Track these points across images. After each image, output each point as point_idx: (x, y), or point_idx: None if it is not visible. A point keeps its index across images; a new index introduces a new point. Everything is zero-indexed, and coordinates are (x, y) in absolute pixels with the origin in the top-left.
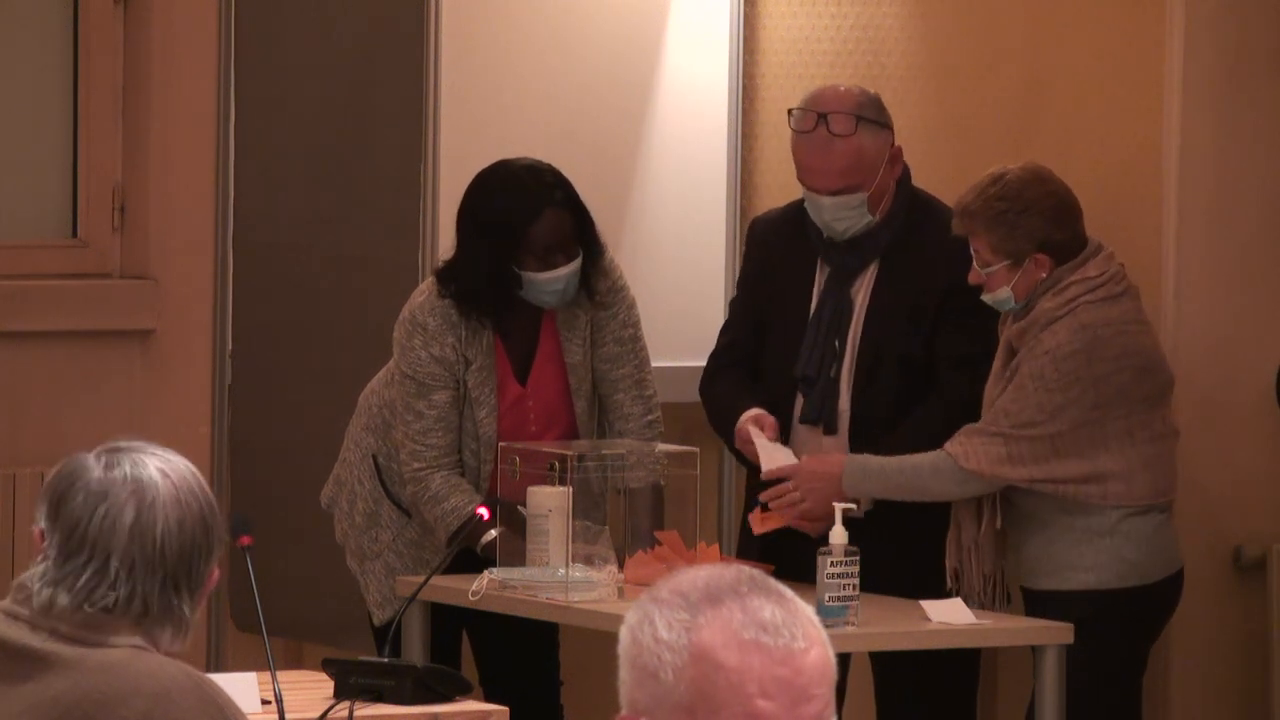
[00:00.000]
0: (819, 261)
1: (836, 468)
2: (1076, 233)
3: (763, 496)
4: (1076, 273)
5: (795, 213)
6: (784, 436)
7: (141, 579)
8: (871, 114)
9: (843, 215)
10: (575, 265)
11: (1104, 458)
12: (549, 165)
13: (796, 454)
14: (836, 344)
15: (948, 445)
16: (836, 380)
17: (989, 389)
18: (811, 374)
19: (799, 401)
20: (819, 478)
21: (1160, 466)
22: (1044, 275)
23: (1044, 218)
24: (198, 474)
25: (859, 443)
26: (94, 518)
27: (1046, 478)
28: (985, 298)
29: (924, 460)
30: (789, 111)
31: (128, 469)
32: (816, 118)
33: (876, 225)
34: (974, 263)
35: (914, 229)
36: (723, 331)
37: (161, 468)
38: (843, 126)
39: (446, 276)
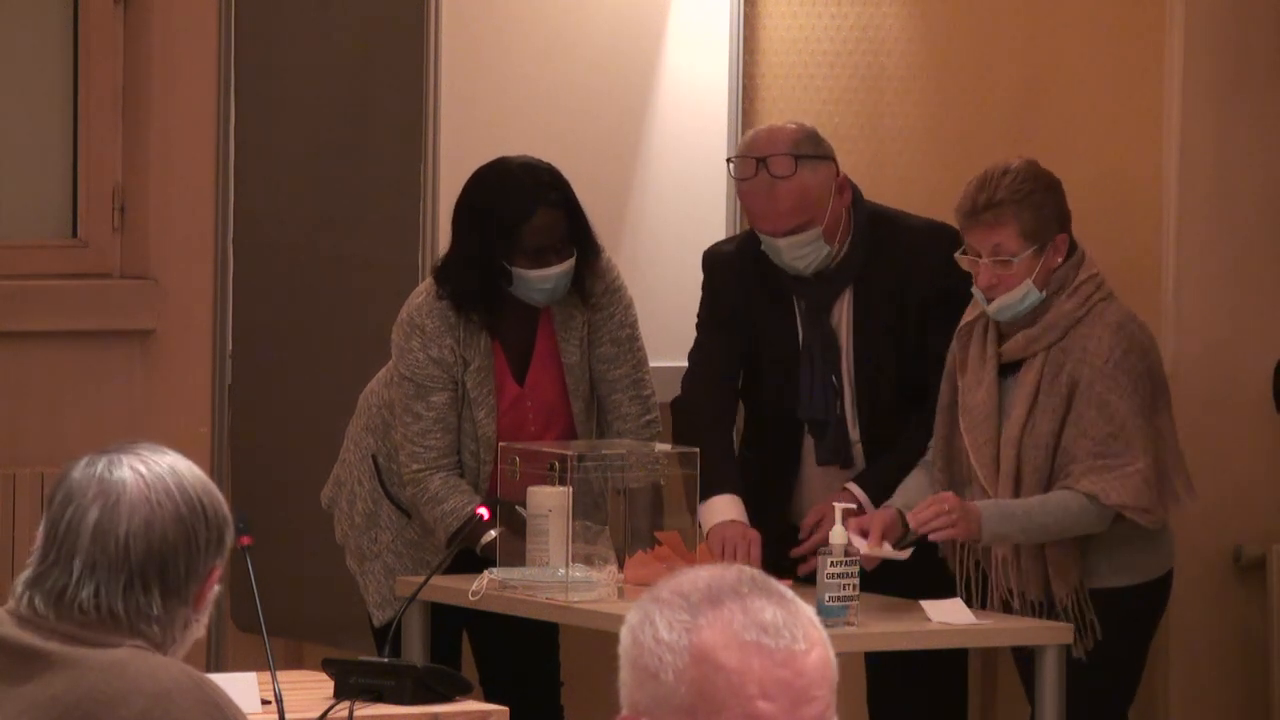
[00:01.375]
0: (794, 295)
1: (975, 511)
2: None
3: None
4: (1081, 271)
5: (752, 246)
6: (793, 477)
7: (104, 580)
8: (809, 149)
9: (800, 253)
10: (567, 265)
11: (1163, 456)
12: (547, 165)
13: (813, 494)
14: (834, 380)
15: (1082, 485)
16: (843, 417)
17: (979, 402)
18: (819, 415)
19: (806, 442)
20: (966, 515)
21: (1183, 463)
22: (1060, 260)
23: (1059, 196)
24: (190, 476)
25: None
26: (62, 519)
27: (1154, 503)
28: (1000, 303)
29: (1071, 503)
30: (728, 161)
31: (99, 470)
32: (755, 163)
33: (840, 253)
34: (986, 262)
35: (880, 248)
36: (695, 352)
37: (137, 468)
38: (782, 168)
39: (442, 276)
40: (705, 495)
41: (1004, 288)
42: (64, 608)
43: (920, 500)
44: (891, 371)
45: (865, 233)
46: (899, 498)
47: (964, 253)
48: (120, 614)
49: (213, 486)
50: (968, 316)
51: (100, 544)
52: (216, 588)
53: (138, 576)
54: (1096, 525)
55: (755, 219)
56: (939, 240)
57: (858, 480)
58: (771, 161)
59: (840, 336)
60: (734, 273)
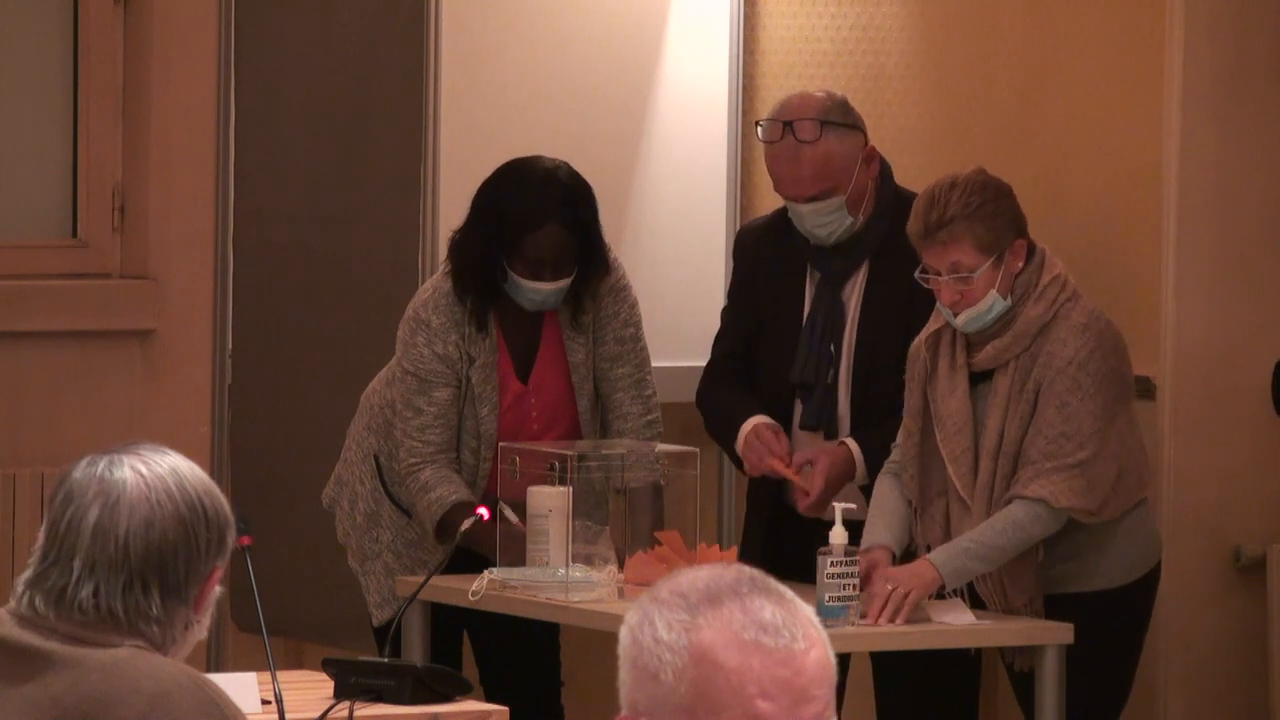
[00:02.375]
0: (808, 267)
1: (921, 567)
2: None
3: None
4: (1044, 274)
5: (781, 220)
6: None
7: (104, 579)
8: (837, 117)
9: (823, 220)
10: (561, 284)
11: (1121, 453)
12: (573, 179)
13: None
14: (832, 348)
15: (1030, 491)
16: (834, 385)
17: (955, 411)
18: (809, 380)
19: (797, 407)
20: (914, 579)
21: (1145, 457)
22: (1021, 264)
23: (1011, 201)
24: (191, 476)
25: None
26: (63, 519)
27: (1103, 503)
28: (966, 316)
29: (1019, 515)
30: (756, 124)
31: (100, 470)
32: (782, 127)
33: (862, 226)
34: (947, 280)
35: (900, 227)
36: (716, 342)
37: (138, 468)
38: (808, 133)
39: (451, 253)
40: (736, 426)
41: (967, 302)
42: (64, 607)
43: (901, 529)
44: (893, 349)
45: (889, 209)
46: (881, 529)
47: (923, 272)
48: (119, 614)
49: (214, 487)
50: (934, 325)
51: (100, 543)
52: (218, 589)
53: (137, 576)
54: (1052, 527)
55: (779, 183)
56: None
57: (857, 439)
58: (798, 125)
59: (848, 308)
60: (756, 245)
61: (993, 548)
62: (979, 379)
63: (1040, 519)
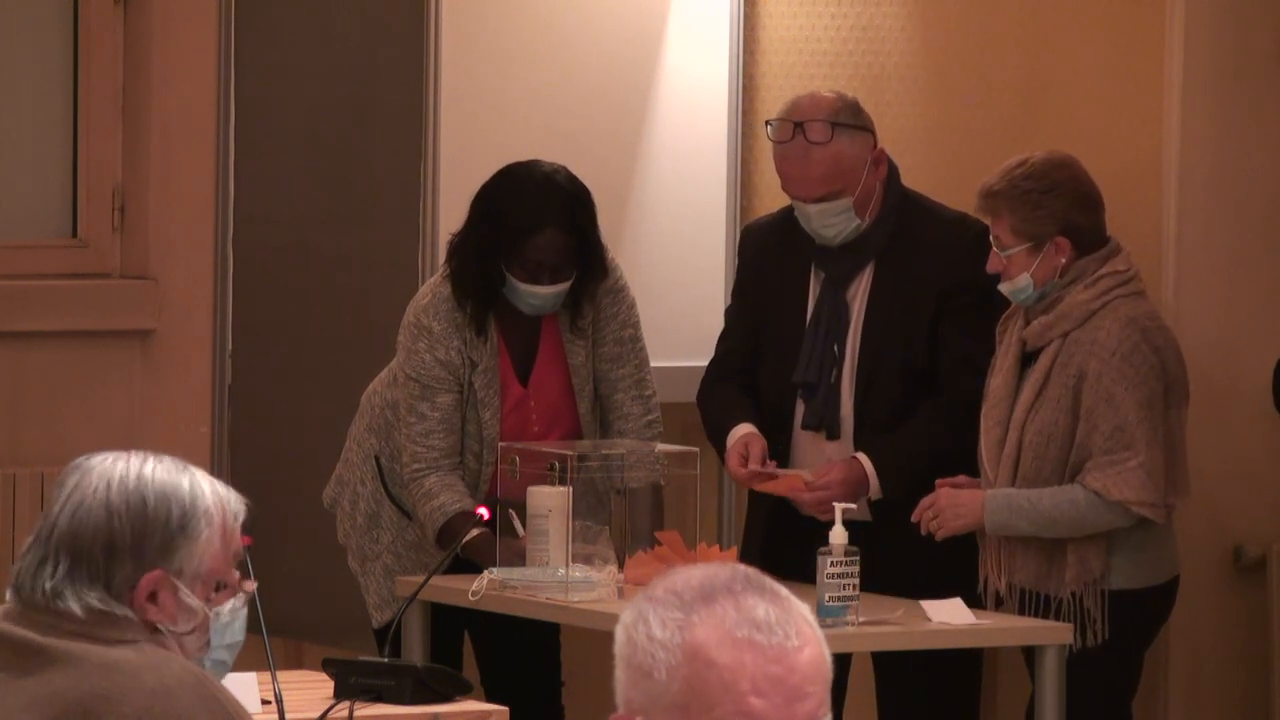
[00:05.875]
0: (813, 267)
1: (976, 500)
2: (1098, 223)
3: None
4: (1106, 265)
5: (786, 219)
6: (785, 444)
7: (67, 574)
8: (848, 119)
9: (830, 221)
10: (560, 288)
11: (1166, 452)
12: (569, 184)
13: (800, 460)
14: (835, 349)
15: (1088, 482)
16: (837, 386)
17: (996, 386)
18: (812, 380)
19: (799, 408)
20: (958, 506)
21: (1184, 467)
22: (1063, 261)
23: (1067, 200)
24: (151, 476)
25: (863, 447)
26: (48, 516)
27: (1158, 496)
28: (1003, 286)
29: (1078, 495)
30: (766, 123)
31: (80, 461)
32: (793, 127)
33: (868, 228)
34: (994, 249)
35: (906, 229)
36: (720, 341)
37: (108, 463)
38: (819, 134)
39: (450, 257)
40: (725, 432)
41: (1006, 275)
42: (37, 600)
43: None
44: (896, 352)
45: (894, 211)
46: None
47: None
48: (85, 611)
49: (181, 493)
50: (1011, 309)
51: (45, 528)
52: (199, 603)
53: (52, 553)
54: (1112, 521)
55: (787, 183)
56: (965, 231)
57: (867, 452)
58: (809, 127)
59: (852, 309)
60: (761, 243)
61: (1043, 514)
62: (1030, 361)
63: (1095, 509)
